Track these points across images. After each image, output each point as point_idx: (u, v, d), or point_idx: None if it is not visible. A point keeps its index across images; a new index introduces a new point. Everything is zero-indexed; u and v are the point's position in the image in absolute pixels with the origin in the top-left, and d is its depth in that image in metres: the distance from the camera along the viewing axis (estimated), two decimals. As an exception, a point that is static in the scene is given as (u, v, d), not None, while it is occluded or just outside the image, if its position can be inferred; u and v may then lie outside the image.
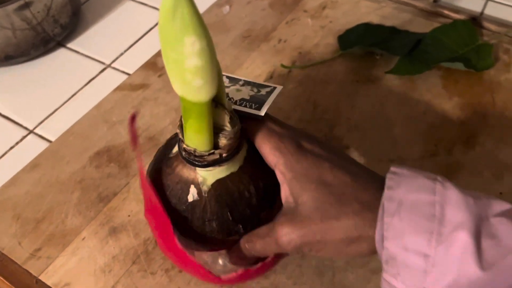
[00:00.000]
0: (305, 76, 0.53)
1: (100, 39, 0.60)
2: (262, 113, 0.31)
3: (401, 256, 0.26)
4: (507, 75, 0.51)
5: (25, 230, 0.41)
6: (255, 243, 0.30)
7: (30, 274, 0.39)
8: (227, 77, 0.35)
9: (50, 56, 0.59)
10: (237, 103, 0.32)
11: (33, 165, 0.46)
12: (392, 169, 0.29)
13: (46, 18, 0.56)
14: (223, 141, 0.29)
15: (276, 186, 0.31)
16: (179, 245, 0.30)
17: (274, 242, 0.29)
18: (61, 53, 0.59)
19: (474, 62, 0.51)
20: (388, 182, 0.28)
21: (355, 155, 0.45)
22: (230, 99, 0.32)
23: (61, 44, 0.60)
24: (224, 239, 0.31)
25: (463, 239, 0.25)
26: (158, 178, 0.32)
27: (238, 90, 0.33)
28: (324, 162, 0.30)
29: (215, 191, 0.30)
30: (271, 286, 0.37)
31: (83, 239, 0.40)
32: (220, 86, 0.28)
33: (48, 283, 0.38)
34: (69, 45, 0.60)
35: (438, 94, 0.50)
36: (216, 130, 0.29)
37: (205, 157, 0.29)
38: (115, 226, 0.41)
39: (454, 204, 0.26)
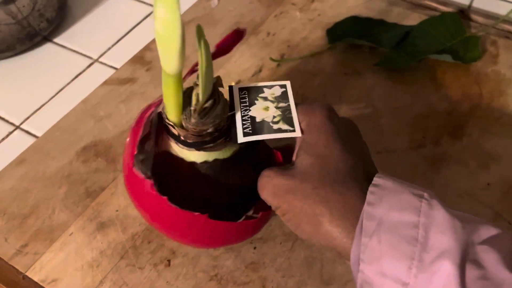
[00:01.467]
0: (293, 69, 0.52)
1: (87, 33, 0.60)
2: (298, 132, 0.30)
3: (378, 282, 0.24)
4: (494, 67, 0.52)
5: (11, 226, 0.41)
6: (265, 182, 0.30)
7: (17, 270, 0.38)
8: (242, 89, 0.33)
9: (36, 51, 0.58)
10: (272, 129, 0.30)
11: (19, 161, 0.46)
12: (376, 180, 0.27)
13: (31, 12, 0.55)
14: (183, 122, 0.30)
15: (249, 199, 0.31)
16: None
17: (259, 183, 0.30)
18: (47, 48, 0.58)
19: (461, 54, 0.52)
20: (369, 196, 0.26)
21: (343, 147, 0.45)
22: (259, 123, 0.31)
23: (47, 38, 0.59)
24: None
25: (446, 269, 0.23)
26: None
27: (265, 108, 0.32)
28: (340, 138, 0.29)
29: (189, 169, 0.31)
30: (260, 279, 0.37)
31: (71, 234, 0.40)
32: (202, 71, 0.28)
33: (35, 279, 0.38)
34: (56, 39, 0.59)
35: (426, 86, 0.50)
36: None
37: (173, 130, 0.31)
38: (103, 221, 0.41)
39: (440, 228, 0.24)
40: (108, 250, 0.39)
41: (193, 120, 0.30)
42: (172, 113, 0.30)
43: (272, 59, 0.53)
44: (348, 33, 0.55)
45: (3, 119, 0.51)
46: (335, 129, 0.30)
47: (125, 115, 0.49)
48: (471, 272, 0.23)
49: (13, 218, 0.41)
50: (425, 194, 0.26)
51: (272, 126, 0.30)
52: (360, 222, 0.25)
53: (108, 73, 0.54)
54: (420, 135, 0.46)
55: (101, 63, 0.56)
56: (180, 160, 0.32)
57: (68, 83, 0.54)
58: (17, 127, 0.50)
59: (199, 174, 0.32)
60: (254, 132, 0.30)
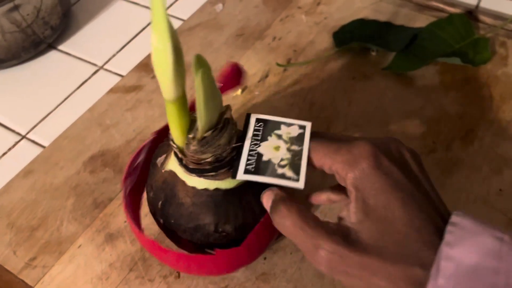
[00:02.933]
0: (300, 74, 0.52)
1: (91, 40, 0.59)
2: (302, 183, 0.28)
3: None
4: (504, 69, 0.51)
5: (19, 239, 0.41)
6: (288, 223, 0.27)
7: (26, 284, 0.38)
8: (259, 119, 0.31)
9: (41, 58, 0.58)
10: (276, 172, 0.29)
11: (27, 172, 0.45)
12: (453, 218, 0.25)
13: (36, 20, 0.55)
14: (185, 148, 0.30)
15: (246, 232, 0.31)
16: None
17: (310, 245, 0.26)
18: (52, 55, 0.58)
19: (471, 57, 0.51)
20: (447, 236, 0.24)
21: (353, 153, 0.45)
22: (265, 163, 0.29)
23: (52, 46, 0.59)
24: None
25: None
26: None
27: (276, 147, 0.30)
28: (398, 190, 0.26)
29: (186, 195, 0.31)
30: (271, 289, 0.37)
31: (79, 246, 0.40)
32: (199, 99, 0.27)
33: (45, 292, 0.37)
34: (60, 47, 0.59)
35: (435, 90, 0.49)
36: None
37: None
38: (111, 233, 0.40)
39: None
40: (117, 262, 0.39)
41: (192, 148, 0.29)
42: (175, 137, 0.30)
43: (278, 64, 0.52)
44: (355, 37, 0.54)
45: (9, 129, 0.51)
46: (388, 180, 0.26)
47: (132, 123, 0.48)
48: None
49: (22, 231, 0.41)
50: (506, 237, 0.24)
51: (276, 170, 0.29)
52: (437, 264, 0.24)
53: (114, 80, 0.54)
54: (430, 140, 0.45)
55: (106, 70, 0.56)
56: (182, 183, 0.31)
57: (74, 91, 0.54)
58: (24, 137, 0.50)
59: (198, 200, 0.31)
60: (256, 172, 0.29)
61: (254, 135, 0.30)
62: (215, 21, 0.59)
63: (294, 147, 0.29)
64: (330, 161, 0.28)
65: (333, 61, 0.53)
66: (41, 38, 0.56)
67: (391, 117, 0.47)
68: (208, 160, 0.29)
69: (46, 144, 0.48)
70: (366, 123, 0.47)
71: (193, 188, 0.31)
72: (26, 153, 0.48)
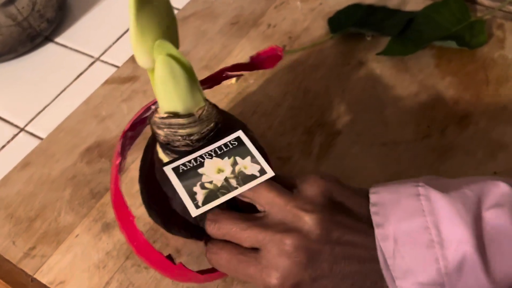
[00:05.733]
0: (295, 62, 0.52)
1: (87, 32, 0.60)
2: (195, 213, 0.28)
3: None
4: (501, 51, 0.50)
5: (18, 229, 0.41)
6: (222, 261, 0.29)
7: (25, 273, 0.39)
8: (238, 139, 0.31)
9: (38, 51, 0.58)
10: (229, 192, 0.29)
11: (24, 164, 0.46)
12: (372, 198, 0.27)
13: (31, 13, 0.55)
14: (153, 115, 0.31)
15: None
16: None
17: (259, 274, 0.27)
18: (49, 48, 0.58)
19: (467, 40, 0.50)
20: (375, 218, 0.26)
21: (347, 140, 0.45)
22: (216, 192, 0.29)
23: (48, 39, 0.59)
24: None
25: (468, 257, 0.24)
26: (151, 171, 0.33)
27: (219, 170, 0.30)
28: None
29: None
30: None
31: (77, 236, 0.40)
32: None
33: (43, 281, 0.38)
34: (57, 39, 0.59)
35: (431, 74, 0.49)
36: None
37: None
38: (108, 222, 0.41)
39: (448, 220, 0.25)
40: (114, 251, 0.39)
41: (154, 117, 0.31)
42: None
43: (273, 52, 0.52)
44: (350, 22, 0.54)
45: (8, 121, 0.51)
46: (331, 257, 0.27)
47: (127, 114, 0.49)
48: (489, 249, 0.24)
49: (20, 222, 0.42)
50: (420, 189, 0.26)
51: (194, 186, 0.29)
52: (379, 248, 0.26)
53: (110, 71, 0.54)
54: (425, 125, 0.45)
55: (103, 61, 0.56)
56: (156, 154, 0.32)
57: (71, 83, 0.54)
58: (22, 129, 0.50)
59: (158, 166, 0.32)
60: (180, 175, 0.29)
61: (219, 147, 0.30)
62: (210, 10, 0.58)
63: (233, 182, 0.29)
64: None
65: (328, 47, 0.53)
66: (37, 31, 0.57)
67: (385, 103, 0.47)
68: (161, 137, 0.30)
69: (43, 136, 0.49)
70: (360, 110, 0.47)
71: (157, 152, 0.32)
72: (25, 146, 0.48)
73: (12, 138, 0.50)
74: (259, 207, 0.29)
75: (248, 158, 0.30)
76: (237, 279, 0.35)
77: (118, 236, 0.40)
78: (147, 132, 0.37)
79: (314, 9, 0.57)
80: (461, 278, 0.24)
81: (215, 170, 0.29)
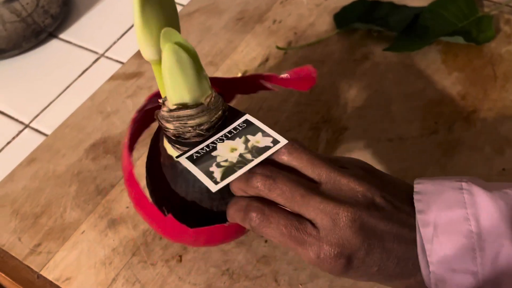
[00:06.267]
0: (301, 57, 0.51)
1: (92, 28, 0.59)
2: (215, 188, 0.28)
3: (450, 278, 0.26)
4: (508, 47, 0.50)
5: (24, 226, 0.41)
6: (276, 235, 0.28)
7: (31, 269, 0.39)
8: (247, 121, 0.31)
9: (43, 47, 0.58)
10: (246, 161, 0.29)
11: (30, 160, 0.46)
12: (417, 187, 0.28)
13: (36, 9, 0.55)
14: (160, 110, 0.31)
15: None
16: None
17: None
18: (53, 44, 0.58)
19: (474, 35, 0.50)
20: (417, 205, 0.27)
21: (353, 136, 0.44)
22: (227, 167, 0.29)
23: (53, 35, 0.59)
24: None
25: (506, 250, 0.25)
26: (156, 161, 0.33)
27: (233, 149, 0.30)
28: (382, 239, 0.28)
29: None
30: (271, 272, 0.37)
31: (83, 232, 0.40)
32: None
33: (50, 278, 0.38)
34: (61, 35, 0.59)
35: (438, 70, 0.49)
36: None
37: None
38: (114, 218, 0.41)
39: (488, 214, 0.26)
40: (120, 247, 0.39)
41: (161, 112, 0.30)
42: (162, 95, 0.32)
43: (278, 47, 0.52)
44: (356, 17, 0.53)
45: (13, 118, 0.51)
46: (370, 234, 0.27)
47: (132, 110, 0.49)
48: None
49: (26, 218, 0.42)
50: (463, 184, 0.27)
51: (210, 166, 0.29)
52: (418, 231, 0.27)
53: (115, 67, 0.54)
54: (432, 121, 0.45)
55: (107, 57, 0.56)
56: (164, 151, 0.32)
57: (75, 79, 0.54)
58: (27, 126, 0.50)
59: (165, 162, 0.32)
60: (196, 161, 0.29)
61: (229, 131, 0.30)
62: (214, 5, 0.58)
63: (248, 156, 0.29)
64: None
65: (333, 43, 0.52)
66: (41, 27, 0.56)
67: (391, 99, 0.47)
68: (171, 131, 0.30)
69: (48, 132, 0.49)
70: (366, 105, 0.47)
71: (165, 150, 0.32)
72: (30, 142, 0.48)
73: (17, 135, 0.50)
74: (310, 175, 0.29)
75: (259, 134, 0.30)
76: (285, 248, 0.34)
77: (124, 232, 0.40)
78: (152, 128, 0.37)
79: (320, 5, 0.56)
80: (495, 270, 0.25)
81: (228, 150, 0.29)
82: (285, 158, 0.29)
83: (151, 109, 0.36)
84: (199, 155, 0.29)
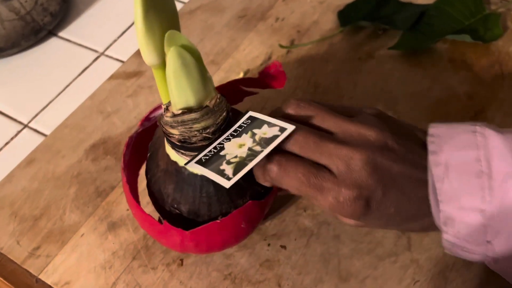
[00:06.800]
0: (304, 56, 0.51)
1: (92, 26, 0.59)
2: (228, 184, 0.27)
3: (459, 216, 0.26)
4: (516, 45, 0.49)
5: (23, 228, 0.40)
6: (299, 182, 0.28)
7: (30, 273, 0.38)
8: (251, 117, 0.31)
9: (42, 46, 0.57)
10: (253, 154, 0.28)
11: (29, 161, 0.45)
12: (431, 130, 0.29)
13: (34, 7, 0.54)
14: (162, 116, 0.30)
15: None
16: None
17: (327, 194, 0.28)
18: (53, 42, 0.57)
19: (481, 33, 0.49)
20: (430, 146, 0.28)
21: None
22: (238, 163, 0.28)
23: (52, 33, 0.58)
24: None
25: None
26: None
27: (241, 145, 0.29)
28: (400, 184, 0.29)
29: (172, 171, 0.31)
30: (275, 277, 0.36)
31: (82, 235, 0.40)
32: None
33: (48, 282, 0.37)
34: (61, 33, 0.58)
35: (444, 69, 0.48)
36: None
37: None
38: (114, 221, 0.40)
39: (499, 155, 0.26)
40: (120, 250, 0.38)
41: (164, 117, 0.30)
42: (163, 100, 0.31)
43: (281, 46, 0.51)
44: (360, 15, 0.52)
45: (11, 118, 0.51)
46: (386, 176, 0.28)
47: (133, 110, 0.48)
48: None
49: (25, 220, 0.41)
50: (477, 127, 0.28)
51: (220, 164, 0.28)
52: (430, 172, 0.27)
53: (115, 66, 0.53)
54: (438, 121, 0.44)
55: (107, 56, 0.55)
56: (164, 147, 0.32)
57: (75, 78, 0.53)
58: (26, 126, 0.50)
59: (168, 168, 0.32)
60: (205, 163, 0.28)
61: (235, 130, 0.30)
62: (216, 3, 0.57)
63: (257, 148, 0.28)
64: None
65: (338, 41, 0.51)
66: (40, 25, 0.55)
67: (397, 98, 0.46)
68: (176, 137, 0.29)
69: (47, 132, 0.48)
70: (371, 105, 0.46)
71: (168, 156, 0.31)
72: (29, 142, 0.48)
73: (16, 135, 0.49)
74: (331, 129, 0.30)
75: (265, 126, 0.29)
76: (305, 198, 0.32)
77: (125, 235, 0.39)
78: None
79: (323, 2, 0.55)
80: (503, 208, 0.25)
81: (236, 147, 0.29)
82: (293, 114, 0.30)
83: (144, 131, 0.36)
84: (207, 157, 0.29)
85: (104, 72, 0.52)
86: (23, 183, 0.44)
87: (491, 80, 0.46)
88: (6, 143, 0.48)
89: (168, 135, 0.30)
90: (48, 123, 0.49)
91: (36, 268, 0.38)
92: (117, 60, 0.54)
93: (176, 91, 0.28)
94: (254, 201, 0.31)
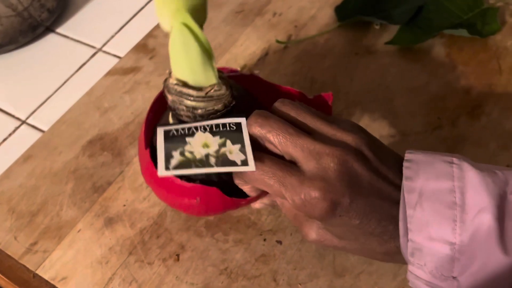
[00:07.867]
0: (301, 51, 0.50)
1: (89, 22, 0.58)
2: (252, 166, 0.27)
3: (427, 246, 0.26)
4: (514, 40, 0.49)
5: (20, 224, 0.41)
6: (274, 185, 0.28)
7: (27, 269, 0.38)
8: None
9: (40, 42, 0.57)
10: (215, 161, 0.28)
11: (26, 157, 0.45)
12: (407, 156, 0.28)
13: (32, 3, 0.54)
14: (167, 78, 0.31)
15: None
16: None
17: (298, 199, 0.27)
18: (50, 38, 0.57)
19: (479, 28, 0.49)
20: (405, 172, 0.27)
21: (355, 132, 0.43)
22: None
23: (49, 29, 0.58)
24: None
25: (486, 224, 0.25)
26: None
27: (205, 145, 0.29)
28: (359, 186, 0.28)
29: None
30: (270, 272, 0.36)
31: (79, 231, 0.40)
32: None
33: (46, 277, 0.37)
34: (58, 29, 0.58)
35: (441, 64, 0.48)
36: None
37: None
38: (111, 217, 0.40)
39: (474, 189, 0.26)
40: (117, 246, 0.38)
41: (169, 79, 0.30)
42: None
43: (278, 41, 0.51)
44: (358, 10, 0.52)
45: (9, 114, 0.51)
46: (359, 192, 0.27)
47: (130, 106, 0.48)
48: (508, 223, 0.25)
49: (22, 216, 0.41)
50: (455, 159, 0.27)
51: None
52: (402, 197, 0.27)
53: (112, 62, 0.53)
54: (435, 116, 0.44)
55: (105, 52, 0.55)
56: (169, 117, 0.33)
57: (73, 74, 0.53)
58: (23, 122, 0.50)
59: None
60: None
61: (216, 125, 0.30)
62: (214, -2, 0.57)
63: (212, 160, 0.29)
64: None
65: (335, 36, 0.51)
66: (38, 21, 0.55)
67: (394, 94, 0.46)
68: (168, 102, 0.30)
69: (45, 129, 0.48)
70: (368, 100, 0.46)
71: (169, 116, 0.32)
72: (27, 139, 0.48)
73: (14, 131, 0.49)
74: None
75: (238, 145, 0.29)
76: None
77: (121, 231, 0.39)
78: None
79: (321, -3, 0.55)
80: (473, 243, 0.25)
81: (201, 144, 0.29)
82: (276, 109, 0.30)
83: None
84: (176, 134, 0.29)
85: (102, 67, 0.52)
86: (21, 179, 0.44)
87: (488, 75, 0.46)
88: (4, 139, 0.48)
89: (164, 97, 0.31)
90: (46, 119, 0.49)
91: (33, 264, 0.38)
92: (115, 56, 0.54)
93: (173, 63, 0.29)
94: (218, 191, 0.30)
